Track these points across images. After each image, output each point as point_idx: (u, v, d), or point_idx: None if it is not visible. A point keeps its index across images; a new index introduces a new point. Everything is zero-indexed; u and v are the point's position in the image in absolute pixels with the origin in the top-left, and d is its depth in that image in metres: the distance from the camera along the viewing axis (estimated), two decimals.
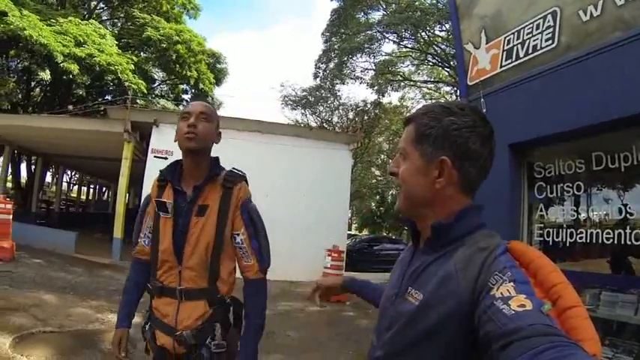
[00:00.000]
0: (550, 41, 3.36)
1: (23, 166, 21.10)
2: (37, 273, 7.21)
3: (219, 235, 1.64)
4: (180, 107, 17.22)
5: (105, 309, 5.63)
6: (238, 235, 1.67)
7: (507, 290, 0.71)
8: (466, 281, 0.79)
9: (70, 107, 16.53)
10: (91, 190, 35.23)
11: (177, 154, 1.77)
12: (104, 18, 22.02)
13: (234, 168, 1.75)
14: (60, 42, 14.09)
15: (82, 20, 16.72)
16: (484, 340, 0.70)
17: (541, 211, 3.60)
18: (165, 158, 10.14)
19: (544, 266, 0.80)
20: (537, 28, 3.50)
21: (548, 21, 3.39)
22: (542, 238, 3.54)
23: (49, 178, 29.70)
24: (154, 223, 1.72)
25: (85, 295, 6.21)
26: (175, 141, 1.73)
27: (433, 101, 22.49)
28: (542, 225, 3.58)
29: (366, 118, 23.29)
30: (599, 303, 2.88)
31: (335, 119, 24.61)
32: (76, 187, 36.10)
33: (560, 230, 3.36)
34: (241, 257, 1.68)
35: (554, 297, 0.75)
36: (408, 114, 1.03)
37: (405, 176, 0.96)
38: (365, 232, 30.98)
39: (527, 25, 3.62)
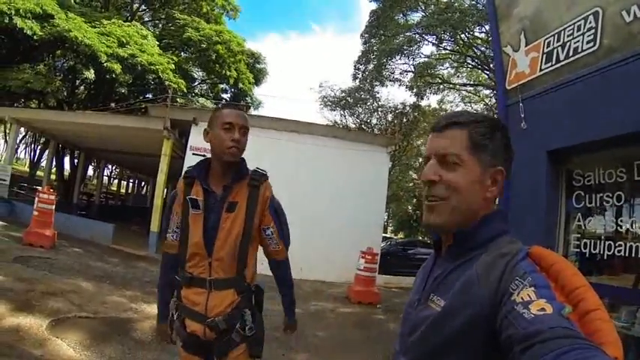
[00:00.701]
0: (592, 43, 3.21)
1: (67, 160, 22.15)
2: (76, 261, 7.50)
3: (248, 228, 1.78)
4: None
5: (138, 299, 5.80)
6: (268, 228, 1.86)
7: (528, 295, 0.72)
8: (487, 287, 0.80)
9: (113, 105, 17.30)
10: (130, 185, 36.49)
11: None
12: (146, 19, 22.82)
13: (257, 168, 1.87)
14: (104, 43, 14.63)
15: (124, 22, 17.42)
16: (506, 343, 0.71)
17: (579, 220, 3.46)
18: (204, 156, 10.05)
19: (565, 269, 0.79)
20: (578, 29, 3.36)
21: (590, 22, 3.24)
22: (578, 250, 3.39)
23: (90, 171, 30.96)
24: (184, 219, 1.82)
25: (121, 285, 6.43)
26: (207, 142, 1.83)
27: (472, 105, 22.10)
28: (579, 235, 3.44)
29: (404, 120, 23.02)
30: (635, 321, 2.74)
31: (374, 121, 24.53)
32: (116, 181, 37.68)
33: (598, 242, 3.22)
34: (269, 244, 1.88)
35: (576, 300, 0.74)
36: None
37: (461, 185, 0.91)
38: (400, 235, 30.62)
39: (567, 27, 3.48)
